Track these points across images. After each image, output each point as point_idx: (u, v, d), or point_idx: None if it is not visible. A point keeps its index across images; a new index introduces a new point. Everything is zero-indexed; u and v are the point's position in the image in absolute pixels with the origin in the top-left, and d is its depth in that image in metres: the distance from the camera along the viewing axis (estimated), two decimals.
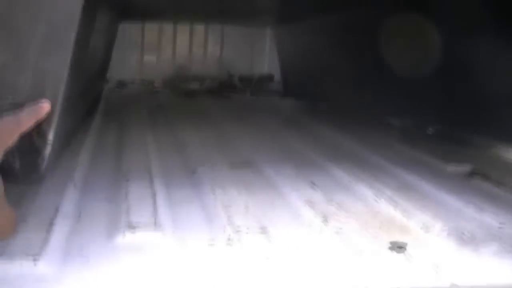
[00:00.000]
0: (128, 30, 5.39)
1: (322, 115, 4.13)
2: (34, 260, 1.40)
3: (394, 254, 1.58)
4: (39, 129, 1.36)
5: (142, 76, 5.67)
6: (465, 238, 1.72)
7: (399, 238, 1.70)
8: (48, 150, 1.40)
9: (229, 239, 1.61)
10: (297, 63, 4.92)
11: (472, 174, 2.52)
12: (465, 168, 2.58)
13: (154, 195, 1.95)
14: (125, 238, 1.61)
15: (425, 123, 3.43)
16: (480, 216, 1.92)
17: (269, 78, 5.64)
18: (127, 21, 4.95)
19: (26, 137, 1.31)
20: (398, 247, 1.63)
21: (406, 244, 1.65)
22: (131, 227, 1.64)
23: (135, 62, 5.61)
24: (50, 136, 1.40)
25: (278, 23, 5.16)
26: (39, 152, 1.40)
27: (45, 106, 1.35)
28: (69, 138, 2.08)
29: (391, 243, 1.65)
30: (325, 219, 1.78)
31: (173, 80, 5.62)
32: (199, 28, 5.72)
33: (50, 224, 1.65)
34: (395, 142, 3.14)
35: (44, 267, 1.40)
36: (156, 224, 1.68)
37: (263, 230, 1.68)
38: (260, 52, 5.81)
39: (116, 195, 1.99)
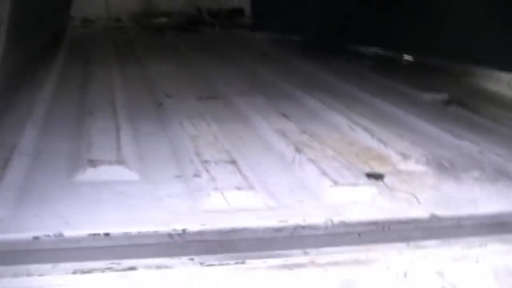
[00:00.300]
0: None
1: (295, 48, 4.02)
2: None
3: (371, 184, 1.49)
4: None
5: (109, 12, 5.48)
6: (445, 166, 1.65)
7: (376, 167, 1.62)
8: None
9: (197, 171, 1.51)
10: None
11: (449, 102, 2.45)
12: (442, 96, 2.51)
13: (118, 129, 1.85)
14: (86, 175, 1.51)
15: (399, 52, 3.34)
16: (459, 144, 1.85)
17: (239, 11, 5.49)
18: None
19: None
20: (375, 176, 1.55)
21: (383, 174, 1.57)
22: (93, 162, 1.54)
23: None
24: None
25: None
26: None
27: None
28: (23, 72, 1.95)
29: (368, 172, 1.58)
30: (298, 149, 1.69)
31: (141, 16, 5.45)
32: None
33: (6, 161, 1.54)
34: (369, 72, 3.06)
35: None
36: (119, 159, 1.58)
37: (233, 161, 1.58)
38: None
39: (79, 130, 1.88)
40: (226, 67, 3.18)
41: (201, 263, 1.12)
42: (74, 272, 1.07)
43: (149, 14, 5.45)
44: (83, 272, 1.07)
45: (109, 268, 1.09)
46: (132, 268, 1.09)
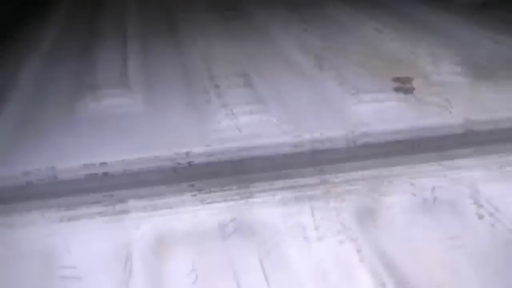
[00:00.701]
0: None
1: None
2: None
3: (399, 97, 1.34)
4: None
5: None
6: (481, 71, 1.49)
7: (405, 75, 1.47)
8: None
9: (207, 94, 1.39)
10: None
11: (485, 3, 2.25)
12: None
13: (125, 60, 1.70)
14: (88, 105, 1.39)
15: None
16: (498, 48, 1.68)
17: None
18: None
19: None
20: (404, 89, 1.40)
21: (412, 79, 1.42)
22: (95, 92, 1.42)
23: None
24: None
25: None
26: None
27: None
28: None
29: (397, 80, 1.43)
30: (320, 63, 1.54)
31: None
32: None
33: (5, 92, 1.45)
34: None
35: None
36: (124, 87, 1.46)
37: (248, 80, 1.45)
38: None
39: (85, 58, 1.74)
40: None
41: (200, 190, 1.01)
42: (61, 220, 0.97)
43: None
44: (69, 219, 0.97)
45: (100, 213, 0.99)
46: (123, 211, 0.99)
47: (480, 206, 0.99)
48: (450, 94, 1.36)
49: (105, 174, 1.12)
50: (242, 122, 1.23)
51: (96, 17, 2.31)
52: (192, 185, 1.04)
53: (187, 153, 1.13)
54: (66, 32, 2.12)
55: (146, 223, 0.97)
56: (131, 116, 1.32)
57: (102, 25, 2.11)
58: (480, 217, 0.97)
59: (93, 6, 2.51)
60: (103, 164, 1.12)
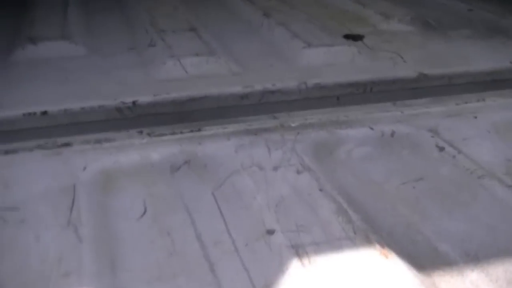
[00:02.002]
0: None
1: None
2: None
3: (349, 44, 1.30)
4: None
5: None
6: (431, 24, 1.47)
7: (354, 28, 1.43)
8: None
9: (151, 40, 1.32)
10: None
11: None
12: None
13: (66, 5, 1.62)
14: (25, 52, 1.30)
15: None
16: (446, 3, 1.67)
17: None
18: None
19: None
20: (353, 37, 1.37)
21: (362, 34, 1.39)
22: (33, 39, 1.34)
23: None
24: None
25: None
26: None
27: None
28: None
29: (346, 34, 1.39)
30: (267, 13, 1.50)
31: None
32: None
33: None
34: None
35: None
36: (64, 34, 1.38)
37: (193, 29, 1.39)
38: None
39: (23, 7, 1.65)
40: None
41: (150, 134, 0.95)
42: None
43: None
44: (6, 152, 0.90)
45: (39, 146, 0.92)
46: (66, 144, 0.92)
47: (440, 138, 0.96)
48: (400, 43, 1.33)
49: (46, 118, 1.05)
50: (187, 64, 1.17)
51: None
52: (141, 132, 0.98)
53: (134, 102, 1.06)
54: None
55: (91, 158, 0.90)
56: (72, 63, 1.25)
57: None
58: (441, 149, 0.93)
59: None
60: (44, 113, 1.04)
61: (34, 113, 1.03)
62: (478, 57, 1.28)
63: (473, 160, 0.90)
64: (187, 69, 1.16)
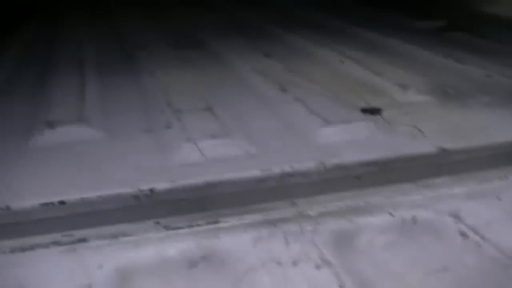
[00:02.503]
0: None
1: None
2: None
3: (367, 119, 1.29)
4: None
5: None
6: (449, 93, 1.46)
7: (372, 101, 1.42)
8: None
9: (167, 122, 1.32)
10: None
11: (446, 28, 2.24)
12: (438, 23, 2.31)
13: (82, 86, 1.64)
14: (44, 137, 1.31)
15: None
16: (463, 68, 1.65)
17: None
18: None
19: None
20: (371, 111, 1.36)
21: (380, 108, 1.37)
22: (51, 123, 1.34)
23: None
24: None
25: None
26: None
27: None
28: None
29: (363, 107, 1.38)
30: (283, 88, 1.49)
31: None
32: None
33: None
34: (355, 3, 2.83)
35: None
36: (81, 117, 1.38)
37: (208, 107, 1.38)
38: None
39: (41, 89, 1.68)
40: (208, 13, 2.95)
41: (167, 227, 0.94)
42: (12, 251, 0.89)
43: None
44: (23, 249, 0.89)
45: (55, 242, 0.91)
46: (82, 240, 0.91)
47: (463, 224, 0.94)
48: (419, 115, 1.32)
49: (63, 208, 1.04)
50: (204, 147, 1.16)
51: (53, 46, 2.25)
52: (158, 222, 0.97)
53: (151, 190, 1.05)
54: (23, 62, 2.06)
55: (107, 255, 0.89)
56: (90, 148, 1.25)
57: (59, 55, 2.05)
58: (464, 236, 0.91)
59: (51, 34, 2.46)
60: (62, 203, 1.03)
61: (52, 203, 1.02)
62: (499, 127, 1.26)
63: (499, 248, 0.87)
64: (203, 152, 1.15)
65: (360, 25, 2.26)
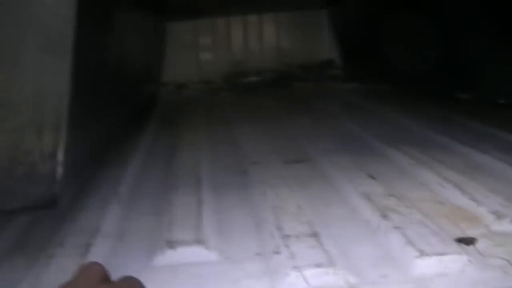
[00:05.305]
0: (180, 30, 5.33)
1: (387, 97, 3.90)
2: None
3: (461, 251, 1.38)
4: (42, 152, 1.24)
5: (201, 75, 5.56)
6: None
7: (467, 229, 1.52)
8: (59, 171, 1.27)
9: (276, 247, 1.46)
10: (356, 44, 4.71)
11: None
12: None
13: (200, 204, 1.81)
14: (165, 257, 1.48)
15: (495, 96, 3.17)
16: None
17: (329, 63, 5.44)
18: (175, 20, 4.86)
19: (27, 162, 1.20)
20: (466, 241, 1.45)
21: (475, 237, 1.46)
22: (172, 244, 1.51)
23: (192, 62, 5.50)
24: (60, 157, 1.27)
25: (333, 2, 4.96)
26: (49, 174, 1.27)
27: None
28: (98, 151, 1.96)
29: (458, 237, 1.47)
30: (384, 214, 1.61)
31: (232, 76, 5.49)
32: (253, 19, 5.57)
33: (87, 246, 1.54)
34: (463, 117, 2.91)
35: None
36: (199, 238, 1.54)
37: (314, 233, 1.52)
38: (318, 37, 5.61)
39: (161, 206, 1.87)
40: (315, 124, 3.11)
41: None
42: None
43: (241, 74, 5.48)
44: None
45: None
46: None
47: None
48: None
49: None
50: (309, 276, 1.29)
51: (173, 155, 2.45)
52: None
53: None
54: (143, 176, 2.26)
55: None
56: (206, 269, 1.40)
57: (178, 165, 2.26)
58: None
59: (171, 141, 2.67)
60: None
61: None
62: None
63: None
64: (308, 281, 1.28)
65: (465, 142, 2.34)
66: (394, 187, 1.88)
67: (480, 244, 1.42)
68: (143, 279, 1.35)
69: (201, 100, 4.47)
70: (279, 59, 5.55)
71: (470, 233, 1.49)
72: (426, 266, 1.32)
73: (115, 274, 1.37)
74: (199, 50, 5.56)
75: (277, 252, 1.44)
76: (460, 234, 1.49)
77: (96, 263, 0.97)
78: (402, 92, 3.93)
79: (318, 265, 1.33)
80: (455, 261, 1.33)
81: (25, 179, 1.24)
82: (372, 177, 1.98)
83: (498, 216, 1.57)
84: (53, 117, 1.23)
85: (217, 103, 4.26)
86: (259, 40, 5.62)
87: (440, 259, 1.33)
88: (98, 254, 1.51)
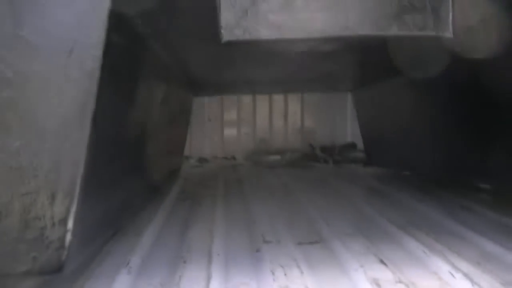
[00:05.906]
0: (206, 105, 5.44)
1: (407, 183, 3.91)
2: None
3: None
4: (52, 218, 1.27)
5: (224, 151, 5.63)
6: None
7: None
8: (68, 238, 1.30)
9: None
10: (379, 128, 4.75)
11: None
12: None
13: (208, 279, 1.82)
14: None
15: None
16: None
17: (352, 146, 5.49)
18: (201, 95, 4.96)
19: (38, 227, 1.22)
20: None
21: None
22: None
23: (215, 137, 5.59)
24: (70, 224, 1.29)
25: (358, 87, 5.03)
26: (58, 240, 1.29)
27: None
28: (112, 220, 1.98)
29: None
30: None
31: (255, 154, 5.55)
32: (278, 98, 5.66)
33: None
34: (480, 206, 2.90)
35: None
36: None
37: None
38: (342, 119, 5.68)
39: (170, 279, 1.88)
40: (332, 205, 3.12)
41: None
42: None
43: (263, 152, 5.54)
44: None
45: None
46: None
47: None
48: None
49: None
50: None
51: (186, 233, 2.47)
52: None
53: None
54: (156, 247, 2.28)
55: None
56: None
57: (192, 237, 2.26)
58: None
59: (184, 223, 2.69)
60: None
61: None
62: None
63: None
64: None
65: (480, 231, 2.33)
66: (404, 274, 1.87)
67: None
68: None
69: (222, 175, 4.51)
70: (302, 139, 5.61)
71: None
72: None
73: None
74: (224, 126, 5.65)
75: None
76: None
77: None
78: (422, 178, 3.93)
79: None
80: None
81: (33, 244, 1.26)
82: (383, 262, 1.98)
83: None
84: (67, 185, 1.26)
85: (237, 179, 4.30)
86: (284, 118, 5.69)
87: None
88: None
